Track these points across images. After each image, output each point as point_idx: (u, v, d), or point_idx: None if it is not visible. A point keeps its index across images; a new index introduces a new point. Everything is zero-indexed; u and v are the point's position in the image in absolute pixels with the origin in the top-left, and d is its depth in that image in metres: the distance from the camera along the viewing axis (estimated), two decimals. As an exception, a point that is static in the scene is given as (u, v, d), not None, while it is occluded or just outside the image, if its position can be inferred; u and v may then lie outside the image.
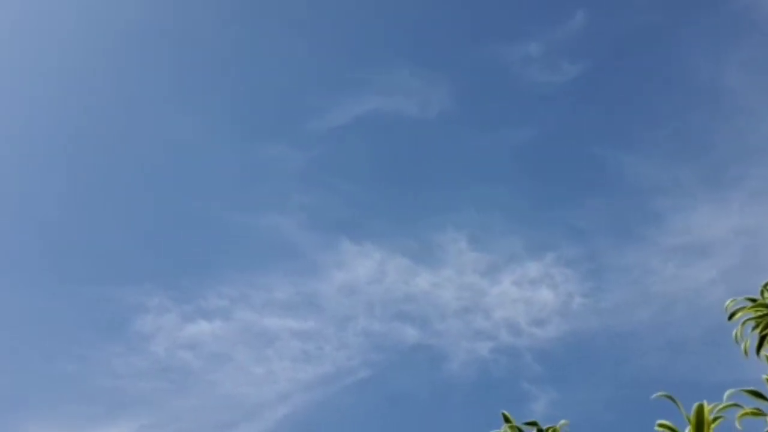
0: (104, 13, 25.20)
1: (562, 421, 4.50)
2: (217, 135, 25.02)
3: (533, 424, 4.49)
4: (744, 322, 7.39)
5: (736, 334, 7.54)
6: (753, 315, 7.40)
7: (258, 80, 25.76)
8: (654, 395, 5.28)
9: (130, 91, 25.11)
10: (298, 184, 24.68)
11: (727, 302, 7.53)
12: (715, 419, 4.75)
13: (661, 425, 5.06)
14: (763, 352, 6.61)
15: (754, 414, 5.34)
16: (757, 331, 7.38)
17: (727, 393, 6.35)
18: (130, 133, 24.98)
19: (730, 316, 7.49)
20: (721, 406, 4.76)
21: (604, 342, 20.41)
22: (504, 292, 22.19)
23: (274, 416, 19.95)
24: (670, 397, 4.83)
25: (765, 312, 7.28)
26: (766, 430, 5.03)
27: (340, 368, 20.80)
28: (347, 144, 25.12)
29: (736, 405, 5.03)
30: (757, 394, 6.47)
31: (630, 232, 22.39)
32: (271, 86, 25.59)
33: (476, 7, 24.54)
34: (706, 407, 4.76)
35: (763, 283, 7.44)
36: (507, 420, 4.57)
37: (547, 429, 4.39)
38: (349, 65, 25.28)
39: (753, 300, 7.46)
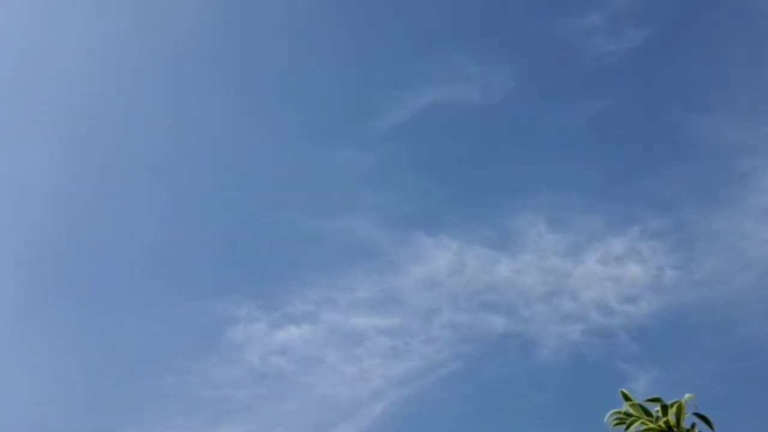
0: (167, 34, 26.03)
1: (687, 395, 4.34)
2: (286, 145, 25.50)
3: (656, 400, 4.35)
4: None
5: None
6: None
7: (321, 86, 26.08)
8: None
9: (202, 108, 25.87)
10: (369, 184, 24.88)
11: None
12: None
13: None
14: None
15: None
16: None
17: None
18: (204, 150, 25.74)
19: None
20: None
21: (702, 314, 19.63)
22: (589, 272, 21.68)
23: (372, 414, 20.18)
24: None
25: None
26: None
27: (430, 362, 20.85)
28: (413, 139, 25.13)
29: None
30: None
31: (717, 196, 21.42)
32: (333, 91, 25.86)
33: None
34: None
35: None
36: (627, 398, 4.46)
37: (672, 404, 4.24)
38: (407, 59, 25.25)
39: None
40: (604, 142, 23.14)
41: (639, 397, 4.45)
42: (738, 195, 19.80)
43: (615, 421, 4.50)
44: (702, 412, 4.34)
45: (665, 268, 19.81)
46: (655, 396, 4.31)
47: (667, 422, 4.17)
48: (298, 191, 23.95)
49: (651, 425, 4.28)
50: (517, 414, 19.58)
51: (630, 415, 4.34)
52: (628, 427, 4.54)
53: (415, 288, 21.67)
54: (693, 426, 4.31)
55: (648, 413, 4.31)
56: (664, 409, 4.18)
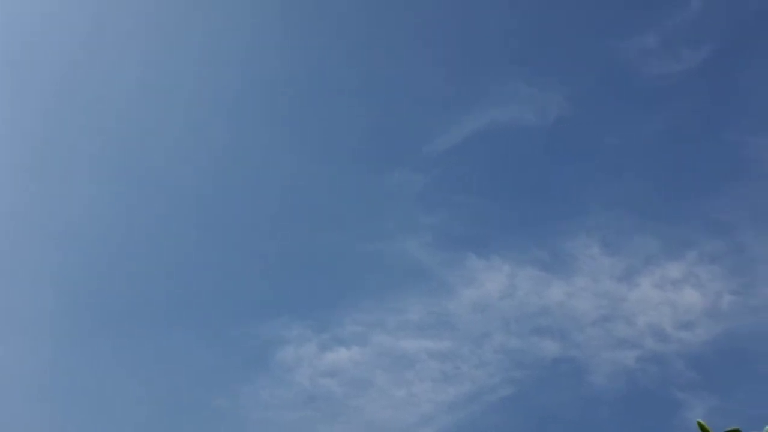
0: (221, 73, 26.69)
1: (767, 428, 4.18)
2: (341, 168, 25.77)
3: (735, 431, 4.20)
4: None
5: None
6: None
7: (375, 108, 26.35)
8: None
9: (256, 130, 26.40)
10: (421, 206, 24.90)
11: None
12: None
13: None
14: None
15: None
16: None
17: None
18: (259, 173, 26.21)
19: None
20: None
21: (761, 341, 18.90)
22: (645, 297, 21.14)
23: (419, 439, 19.98)
24: None
25: None
26: None
27: (481, 387, 20.58)
28: (466, 160, 25.10)
29: None
30: None
31: (776, 219, 20.69)
32: (387, 113, 26.09)
33: (584, 4, 23.87)
34: None
35: None
36: (703, 429, 4.30)
37: (752, 436, 4.09)
38: (461, 81, 25.32)
39: None
40: (660, 163, 22.69)
41: (694, 427, 4.31)
42: (801, 218, 19.13)
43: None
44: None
45: (723, 293, 19.20)
46: (734, 428, 4.16)
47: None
48: (352, 214, 24.15)
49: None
50: (571, 442, 19.13)
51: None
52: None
53: (466, 311, 21.50)
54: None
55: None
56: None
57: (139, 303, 23.48)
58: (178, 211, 24.88)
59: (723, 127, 21.53)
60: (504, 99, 22.98)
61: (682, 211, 21.48)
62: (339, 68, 24.74)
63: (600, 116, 22.83)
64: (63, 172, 24.59)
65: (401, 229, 23.48)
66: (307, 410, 20.18)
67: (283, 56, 24.71)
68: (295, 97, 24.92)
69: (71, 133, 24.76)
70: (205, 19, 25.04)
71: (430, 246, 22.87)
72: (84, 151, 24.62)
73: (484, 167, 23.97)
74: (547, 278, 21.20)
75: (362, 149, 24.75)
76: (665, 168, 22.37)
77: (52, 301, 23.17)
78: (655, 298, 20.04)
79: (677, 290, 20.00)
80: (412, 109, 24.79)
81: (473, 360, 20.28)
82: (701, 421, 4.38)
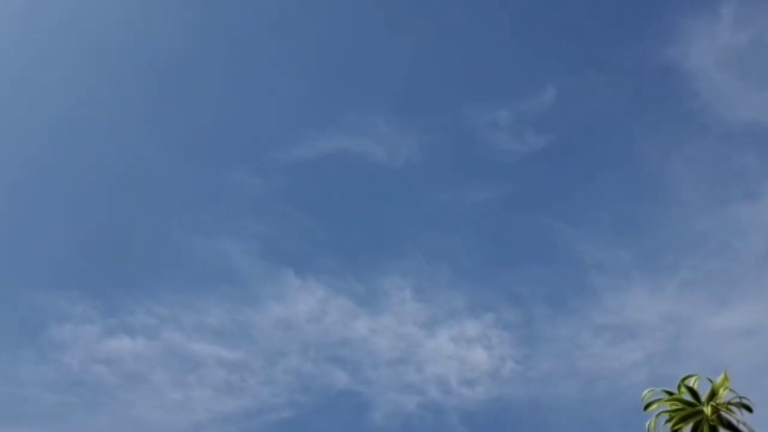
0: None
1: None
2: (184, 157, 24.60)
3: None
4: (658, 415, 7.46)
5: (649, 426, 7.61)
6: (668, 408, 7.50)
7: (235, 107, 25.54)
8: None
9: (97, 112, 24.61)
10: (255, 212, 24.33)
11: (645, 392, 7.61)
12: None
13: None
14: (674, 446, 6.63)
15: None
16: (670, 424, 7.47)
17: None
18: (94, 145, 24.30)
19: (646, 407, 7.57)
20: None
21: (528, 412, 20.38)
22: (439, 347, 22.10)
23: (185, 447, 19.14)
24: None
25: (680, 407, 7.38)
26: None
27: (263, 404, 20.25)
28: (310, 178, 25.00)
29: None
30: (669, 392, 6.52)
31: (566, 303, 22.64)
32: (245, 113, 25.39)
33: (456, 67, 25.02)
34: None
35: (682, 377, 7.54)
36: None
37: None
38: (325, 102, 25.37)
39: (669, 393, 7.57)
40: (482, 229, 24.10)
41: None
42: (583, 307, 21.06)
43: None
44: None
45: (507, 359, 20.56)
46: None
47: None
48: (180, 203, 23.10)
49: None
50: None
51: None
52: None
53: (270, 326, 21.20)
54: None
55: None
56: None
57: None
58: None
59: (541, 210, 23.34)
60: (363, 131, 23.32)
61: (490, 276, 22.83)
62: (210, 61, 23.84)
63: (444, 172, 23.84)
64: None
65: (226, 230, 22.81)
66: (70, 395, 18.70)
67: (156, 38, 23.40)
68: (157, 82, 23.63)
69: None
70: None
71: (251, 253, 22.38)
72: None
73: (326, 189, 24.05)
74: (356, 311, 21.51)
75: (211, 143, 23.90)
76: (484, 235, 23.81)
77: None
78: (448, 351, 21.02)
79: (470, 347, 21.12)
80: (271, 115, 24.38)
81: (262, 376, 19.98)
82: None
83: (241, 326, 20.30)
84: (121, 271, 21.91)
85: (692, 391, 6.65)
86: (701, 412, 6.52)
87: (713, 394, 6.75)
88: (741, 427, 6.82)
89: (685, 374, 6.80)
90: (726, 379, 6.83)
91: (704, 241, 20.51)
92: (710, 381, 6.68)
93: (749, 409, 6.89)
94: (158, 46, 23.38)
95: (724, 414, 6.70)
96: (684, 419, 6.55)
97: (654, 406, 6.82)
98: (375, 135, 22.70)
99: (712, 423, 6.34)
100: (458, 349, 19.93)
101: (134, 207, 22.19)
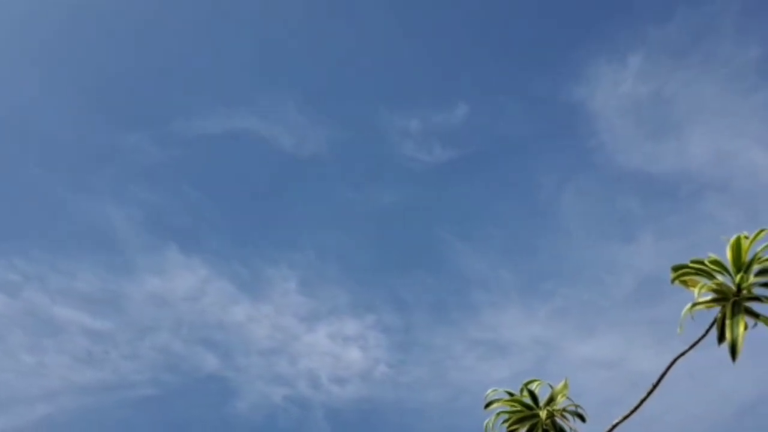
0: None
1: None
2: (79, 110, 23.28)
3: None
4: (498, 414, 7.65)
5: (487, 425, 7.78)
6: (508, 408, 7.69)
7: (141, 71, 24.45)
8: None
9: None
10: (146, 180, 23.35)
11: (488, 391, 7.81)
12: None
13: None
14: (508, 446, 6.80)
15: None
16: (507, 425, 7.66)
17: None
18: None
19: (487, 405, 7.73)
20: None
21: (395, 415, 20.60)
22: (315, 343, 21.96)
23: (31, 415, 18.02)
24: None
25: (518, 408, 7.59)
26: None
27: (123, 379, 19.38)
28: (210, 153, 24.28)
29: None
30: (511, 393, 6.65)
31: (447, 314, 23.15)
32: (151, 79, 24.34)
33: (377, 71, 25.10)
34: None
35: (525, 381, 7.78)
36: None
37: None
38: (239, 80, 24.72)
39: (511, 394, 7.77)
40: (376, 231, 24.17)
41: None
42: (462, 320, 21.53)
43: None
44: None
45: (381, 362, 20.68)
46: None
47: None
48: (68, 160, 21.82)
49: None
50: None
51: None
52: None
53: (143, 299, 20.36)
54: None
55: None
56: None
57: None
58: None
59: (437, 222, 23.71)
60: (273, 115, 22.91)
61: (378, 279, 22.96)
62: (127, 17, 22.76)
63: (348, 171, 23.78)
64: None
65: (112, 193, 21.77)
66: None
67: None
68: (66, 26, 22.28)
69: None
70: None
71: (135, 221, 21.46)
72: None
73: (225, 168, 23.45)
74: (237, 296, 21.02)
75: (112, 102, 22.74)
76: (379, 237, 23.93)
77: None
78: (324, 347, 20.91)
79: (346, 346, 21.10)
80: (182, 84, 23.52)
81: (127, 350, 19.14)
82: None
83: (112, 295, 19.29)
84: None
85: (532, 395, 6.84)
86: (537, 415, 6.69)
87: (551, 400, 7.02)
88: (573, 435, 7.17)
89: (528, 380, 6.99)
90: (566, 386, 7.12)
91: (581, 273, 21.43)
92: (551, 387, 6.93)
93: (582, 419, 7.20)
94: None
95: (558, 420, 6.96)
96: (520, 420, 6.74)
97: (494, 405, 6.97)
98: (285, 122, 22.29)
99: (545, 428, 6.52)
100: (334, 346, 19.78)
101: (14, 155, 20.75)
